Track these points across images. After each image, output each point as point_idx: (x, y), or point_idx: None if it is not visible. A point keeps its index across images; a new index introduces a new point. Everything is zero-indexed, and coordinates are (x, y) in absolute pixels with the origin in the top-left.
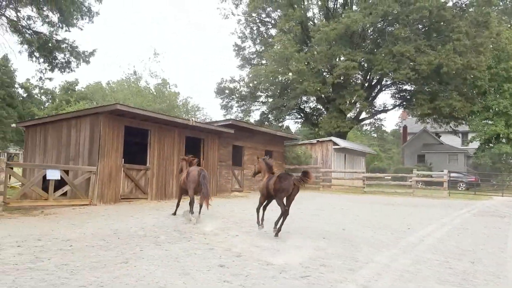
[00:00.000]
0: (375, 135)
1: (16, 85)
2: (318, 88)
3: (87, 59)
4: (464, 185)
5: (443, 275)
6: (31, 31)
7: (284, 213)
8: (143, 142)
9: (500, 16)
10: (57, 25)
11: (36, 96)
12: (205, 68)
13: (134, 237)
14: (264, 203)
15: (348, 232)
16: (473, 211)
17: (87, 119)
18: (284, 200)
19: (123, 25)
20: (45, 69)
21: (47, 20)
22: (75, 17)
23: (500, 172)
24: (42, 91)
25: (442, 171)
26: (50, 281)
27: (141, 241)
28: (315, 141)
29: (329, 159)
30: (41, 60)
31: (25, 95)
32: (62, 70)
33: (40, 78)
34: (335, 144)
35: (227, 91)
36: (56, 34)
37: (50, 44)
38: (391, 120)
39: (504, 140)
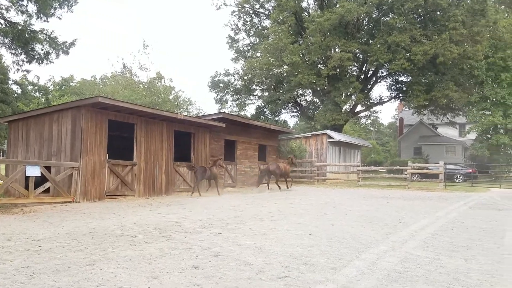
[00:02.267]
0: (372, 129)
1: (10, 82)
2: (313, 81)
3: (67, 50)
4: (461, 177)
5: (432, 275)
6: (5, 21)
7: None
8: (131, 136)
9: (497, 6)
10: (35, 15)
11: (30, 92)
12: (199, 61)
13: (110, 237)
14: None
15: (338, 228)
16: (469, 204)
17: (69, 113)
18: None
19: (109, 17)
20: (22, 61)
21: (22, 9)
22: (53, 6)
23: (498, 163)
24: (36, 87)
25: (438, 163)
26: (4, 286)
27: (115, 241)
28: (310, 135)
29: (324, 153)
30: (18, 51)
31: (19, 91)
32: (40, 61)
33: (18, 70)
34: (330, 137)
35: (221, 85)
36: (31, 24)
37: (26, 35)
38: (388, 113)
39: (501, 131)
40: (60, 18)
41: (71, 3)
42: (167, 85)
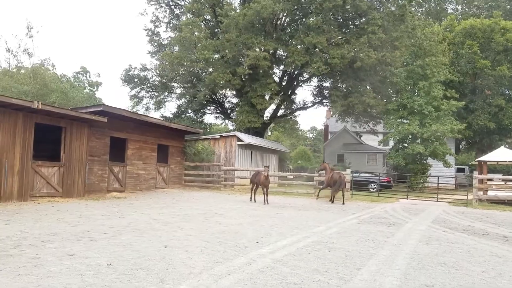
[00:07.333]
0: (311, 135)
1: None
2: (229, 80)
3: None
4: (375, 186)
5: None
6: None
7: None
8: None
9: (423, 17)
10: None
11: None
12: (116, 53)
13: None
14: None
15: (164, 252)
16: (363, 217)
17: None
18: None
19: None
20: None
21: None
22: None
23: (414, 173)
24: None
25: (345, 170)
26: None
27: None
28: (219, 136)
29: (233, 156)
30: None
31: None
32: None
33: None
34: (239, 139)
35: (136, 80)
36: None
37: None
38: (322, 119)
39: (419, 140)
40: None
41: None
42: (93, 80)
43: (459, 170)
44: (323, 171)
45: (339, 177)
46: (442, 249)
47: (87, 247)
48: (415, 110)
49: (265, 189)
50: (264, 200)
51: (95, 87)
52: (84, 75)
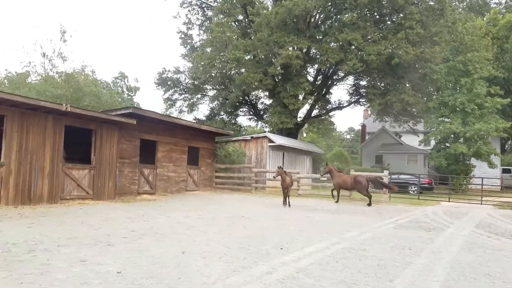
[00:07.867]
0: (349, 136)
1: None
2: (260, 80)
3: None
4: (415, 188)
5: None
6: None
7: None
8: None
9: (466, 13)
10: None
11: None
12: (148, 56)
13: None
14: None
15: (182, 258)
16: (401, 221)
17: None
18: None
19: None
20: None
21: None
22: None
23: (457, 175)
24: None
25: (382, 172)
26: None
27: None
28: (249, 138)
29: (264, 158)
30: None
31: None
32: None
33: None
34: (270, 141)
35: (169, 83)
36: None
37: None
38: (359, 119)
39: (461, 140)
40: None
41: None
42: (130, 85)
43: (505, 171)
44: (329, 174)
45: (365, 179)
46: (487, 257)
47: (102, 253)
48: (457, 108)
49: (286, 191)
50: (283, 202)
51: (133, 92)
52: (122, 80)
